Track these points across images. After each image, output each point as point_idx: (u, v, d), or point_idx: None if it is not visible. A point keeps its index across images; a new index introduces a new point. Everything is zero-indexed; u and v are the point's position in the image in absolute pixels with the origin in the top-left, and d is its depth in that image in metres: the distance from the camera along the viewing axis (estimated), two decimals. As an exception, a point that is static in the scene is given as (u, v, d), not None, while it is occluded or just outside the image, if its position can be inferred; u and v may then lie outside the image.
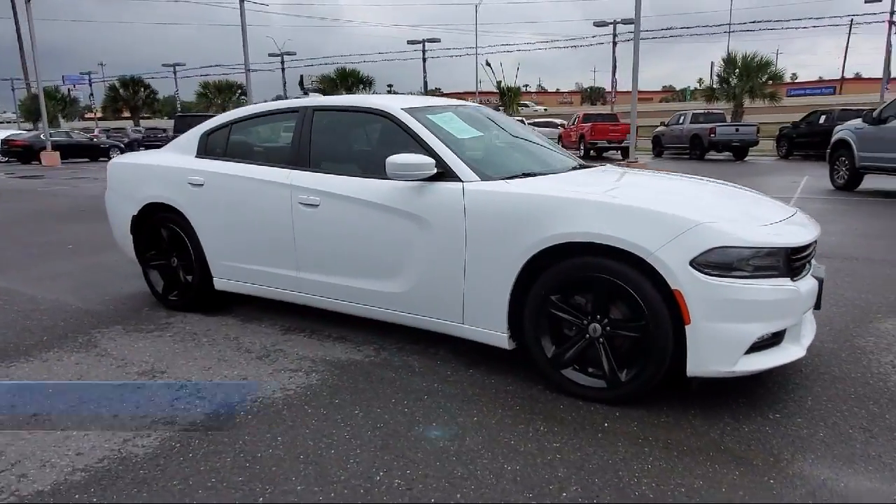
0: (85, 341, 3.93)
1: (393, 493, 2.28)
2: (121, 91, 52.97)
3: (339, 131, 3.93)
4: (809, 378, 3.23)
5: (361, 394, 3.11)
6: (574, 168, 3.87)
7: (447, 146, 3.40)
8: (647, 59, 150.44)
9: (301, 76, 51.01)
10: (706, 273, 2.67)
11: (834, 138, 12.42)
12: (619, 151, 23.69)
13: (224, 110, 44.50)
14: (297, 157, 3.85)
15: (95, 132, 37.19)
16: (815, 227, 3.19)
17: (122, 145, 29.45)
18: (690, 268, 2.67)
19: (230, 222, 4.07)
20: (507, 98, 32.85)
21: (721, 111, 25.30)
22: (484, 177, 3.27)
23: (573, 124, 25.79)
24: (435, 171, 3.27)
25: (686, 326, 2.70)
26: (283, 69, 40.17)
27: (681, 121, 23.72)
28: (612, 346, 2.93)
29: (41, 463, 2.51)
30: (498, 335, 3.20)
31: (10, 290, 5.20)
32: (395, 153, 3.37)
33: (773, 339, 2.82)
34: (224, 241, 4.13)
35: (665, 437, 2.66)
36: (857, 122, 11.77)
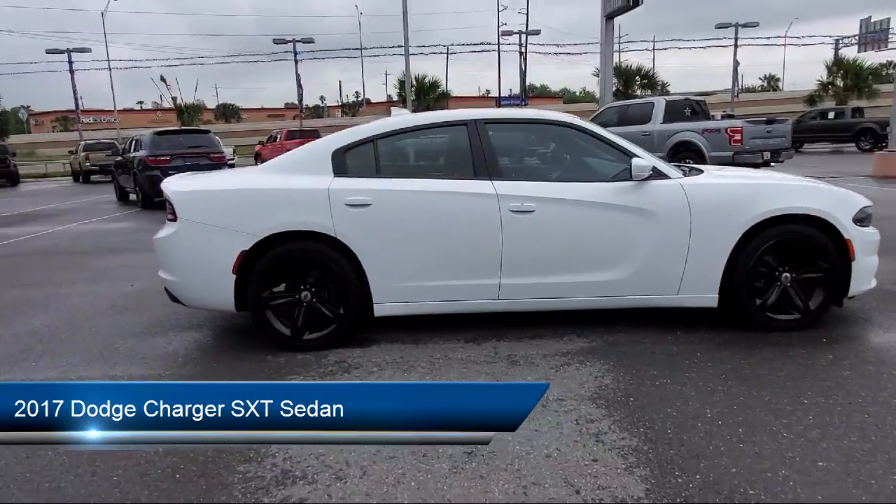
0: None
1: (785, 408, 3.04)
2: None
3: (519, 141, 4.17)
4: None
5: (655, 368, 3.62)
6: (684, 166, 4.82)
7: (641, 149, 4.08)
8: (266, 77, 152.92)
9: None
10: (859, 225, 4.02)
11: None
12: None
13: None
14: (485, 167, 3.96)
15: None
16: None
17: None
18: (853, 223, 3.99)
19: (411, 240, 3.92)
20: (187, 115, 30.56)
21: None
22: (680, 174, 4.07)
23: (275, 141, 25.64)
24: (652, 171, 3.93)
25: (852, 263, 4.01)
26: None
27: (379, 134, 25.75)
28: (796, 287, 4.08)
29: (570, 487, 2.51)
30: (709, 297, 4.04)
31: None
32: (583, 158, 3.89)
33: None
34: (399, 262, 3.93)
35: (852, 340, 3.94)
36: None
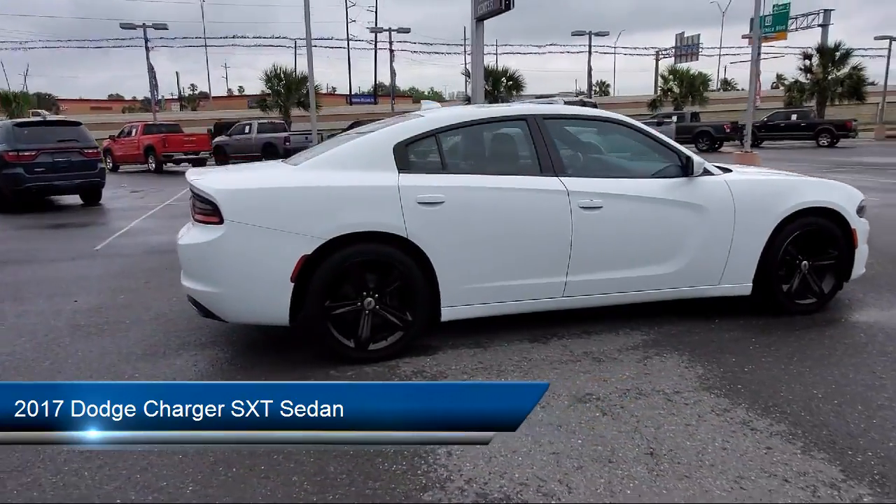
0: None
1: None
2: None
3: (577, 138, 4.13)
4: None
5: (731, 356, 3.80)
6: None
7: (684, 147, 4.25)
8: (79, 65, 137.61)
9: None
10: (859, 216, 4.51)
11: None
12: (192, 164, 22.67)
13: None
14: (550, 163, 3.90)
15: None
16: None
17: None
18: (856, 214, 4.46)
19: (483, 239, 3.75)
20: (16, 106, 26.51)
21: (281, 120, 27.05)
22: (720, 171, 4.30)
23: (130, 135, 23.17)
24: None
25: (855, 249, 4.48)
26: None
27: (247, 130, 24.35)
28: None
29: (774, 477, 2.57)
30: (745, 286, 4.32)
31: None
32: (635, 155, 4.02)
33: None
34: (470, 263, 3.74)
35: (866, 320, 4.42)
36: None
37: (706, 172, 4.17)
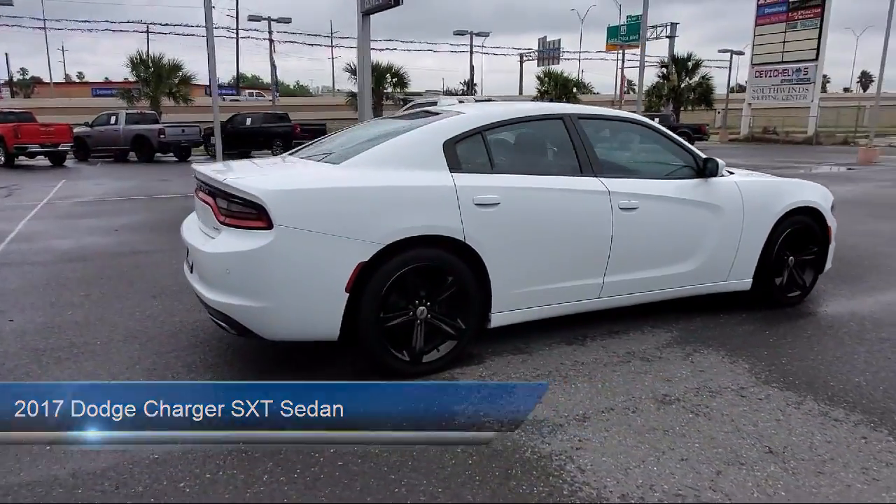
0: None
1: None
2: None
3: (607, 138, 4.10)
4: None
5: (763, 349, 3.98)
6: None
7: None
8: None
9: None
10: (832, 215, 4.93)
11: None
12: (49, 157, 20.19)
13: None
14: (589, 164, 3.86)
15: None
16: None
17: None
18: (830, 213, 4.87)
19: (534, 242, 3.62)
20: None
21: (152, 111, 24.83)
22: (727, 172, 4.50)
23: (-31, 123, 20.07)
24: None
25: (830, 245, 4.90)
26: None
27: (113, 121, 22.11)
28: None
29: (891, 466, 2.71)
30: (746, 282, 4.56)
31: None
32: (651, 157, 4.16)
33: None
34: (520, 266, 3.61)
35: (847, 309, 4.84)
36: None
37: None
